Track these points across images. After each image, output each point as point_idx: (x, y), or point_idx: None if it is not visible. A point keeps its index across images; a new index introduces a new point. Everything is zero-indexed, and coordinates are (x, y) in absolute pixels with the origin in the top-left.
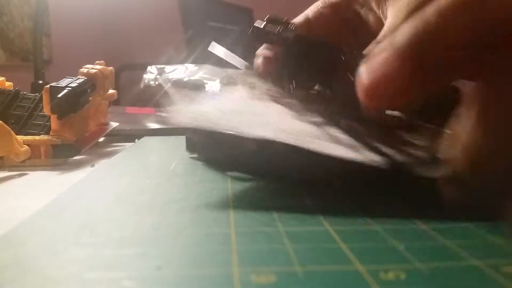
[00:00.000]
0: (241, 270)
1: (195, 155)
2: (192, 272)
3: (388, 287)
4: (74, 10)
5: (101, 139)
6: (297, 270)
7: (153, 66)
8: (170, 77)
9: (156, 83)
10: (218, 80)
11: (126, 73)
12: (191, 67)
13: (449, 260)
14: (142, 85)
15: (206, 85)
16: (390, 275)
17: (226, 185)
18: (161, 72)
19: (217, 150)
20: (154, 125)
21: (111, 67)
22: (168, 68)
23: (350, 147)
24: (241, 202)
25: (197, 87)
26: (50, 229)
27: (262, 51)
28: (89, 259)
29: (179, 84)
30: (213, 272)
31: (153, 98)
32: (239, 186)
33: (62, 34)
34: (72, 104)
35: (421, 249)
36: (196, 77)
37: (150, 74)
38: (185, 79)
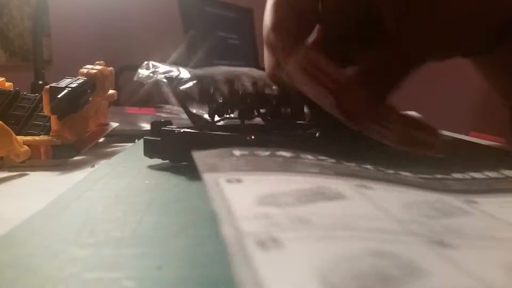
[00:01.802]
0: None
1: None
2: (192, 272)
3: None
4: (74, 10)
5: (101, 140)
6: None
7: (150, 62)
8: (164, 80)
9: (148, 81)
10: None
11: (126, 74)
12: (184, 72)
13: None
14: (135, 78)
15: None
16: None
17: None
18: (155, 71)
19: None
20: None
21: (111, 68)
22: (162, 68)
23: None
24: None
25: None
26: (50, 229)
27: None
28: (89, 259)
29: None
30: (213, 272)
31: (152, 98)
32: None
33: (62, 34)
34: (72, 105)
35: None
36: (187, 85)
37: (145, 71)
38: (181, 88)
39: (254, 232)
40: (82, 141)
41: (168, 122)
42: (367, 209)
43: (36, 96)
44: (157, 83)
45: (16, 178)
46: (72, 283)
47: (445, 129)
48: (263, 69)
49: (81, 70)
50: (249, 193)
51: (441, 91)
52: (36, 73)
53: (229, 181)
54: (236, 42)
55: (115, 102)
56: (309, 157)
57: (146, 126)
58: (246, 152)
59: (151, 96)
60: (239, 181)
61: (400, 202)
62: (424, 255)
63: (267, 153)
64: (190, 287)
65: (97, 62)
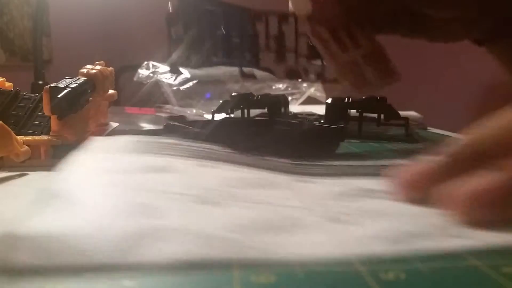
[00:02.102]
0: (241, 270)
1: None
2: (192, 272)
3: (388, 287)
4: (74, 10)
5: None
6: (297, 270)
7: (150, 63)
8: (163, 80)
9: (148, 81)
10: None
11: (126, 73)
12: (184, 72)
13: (449, 260)
14: (135, 78)
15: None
16: (390, 275)
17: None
18: (155, 71)
19: None
20: (154, 125)
21: (111, 67)
22: (162, 68)
23: None
24: None
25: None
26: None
27: None
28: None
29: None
30: (213, 272)
31: (152, 98)
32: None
33: (62, 34)
34: (72, 105)
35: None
36: (187, 86)
37: (145, 71)
38: (175, 88)
39: (73, 182)
40: (82, 141)
41: (182, 118)
42: (185, 179)
43: (36, 96)
44: (157, 83)
45: (16, 178)
46: (73, 283)
47: (446, 130)
48: (263, 68)
49: (81, 70)
50: (98, 164)
51: (441, 91)
52: (36, 73)
53: (95, 154)
54: (236, 41)
55: (115, 102)
56: (204, 145)
57: (146, 126)
58: (152, 140)
59: (151, 96)
60: (104, 158)
61: (221, 176)
62: (178, 208)
63: (171, 141)
64: (190, 287)
65: (97, 62)
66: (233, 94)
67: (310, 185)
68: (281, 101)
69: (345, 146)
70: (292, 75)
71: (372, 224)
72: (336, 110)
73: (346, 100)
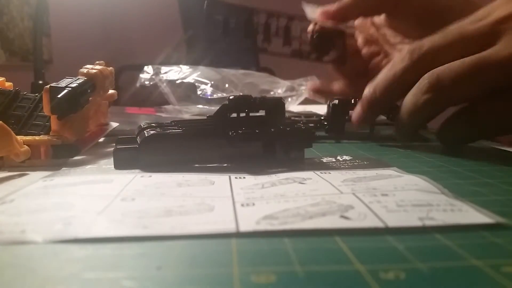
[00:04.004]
0: (241, 270)
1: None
2: (192, 272)
3: (388, 287)
4: (74, 10)
5: (101, 139)
6: (297, 270)
7: (150, 66)
8: (164, 78)
9: (151, 83)
10: (209, 84)
11: (126, 73)
12: (185, 68)
13: (449, 260)
14: (138, 84)
15: (198, 88)
16: (390, 275)
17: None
18: (157, 72)
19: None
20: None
21: (111, 67)
22: (164, 68)
23: None
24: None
25: (189, 88)
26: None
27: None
28: (89, 259)
29: (172, 85)
30: (213, 272)
31: (151, 97)
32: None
33: (62, 34)
34: (72, 105)
35: (421, 249)
36: (189, 79)
37: (146, 74)
38: (178, 81)
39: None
40: (82, 141)
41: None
42: (121, 186)
43: (36, 96)
44: (159, 83)
45: (16, 178)
46: (72, 283)
47: None
48: (263, 69)
49: (81, 70)
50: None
51: None
52: (36, 73)
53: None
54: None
55: (115, 102)
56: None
57: None
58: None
59: (151, 96)
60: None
61: (153, 181)
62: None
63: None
64: (190, 287)
65: (97, 62)
66: (230, 97)
67: (239, 180)
68: (280, 104)
69: (349, 147)
70: (296, 54)
71: (267, 207)
72: (339, 111)
73: (353, 101)
